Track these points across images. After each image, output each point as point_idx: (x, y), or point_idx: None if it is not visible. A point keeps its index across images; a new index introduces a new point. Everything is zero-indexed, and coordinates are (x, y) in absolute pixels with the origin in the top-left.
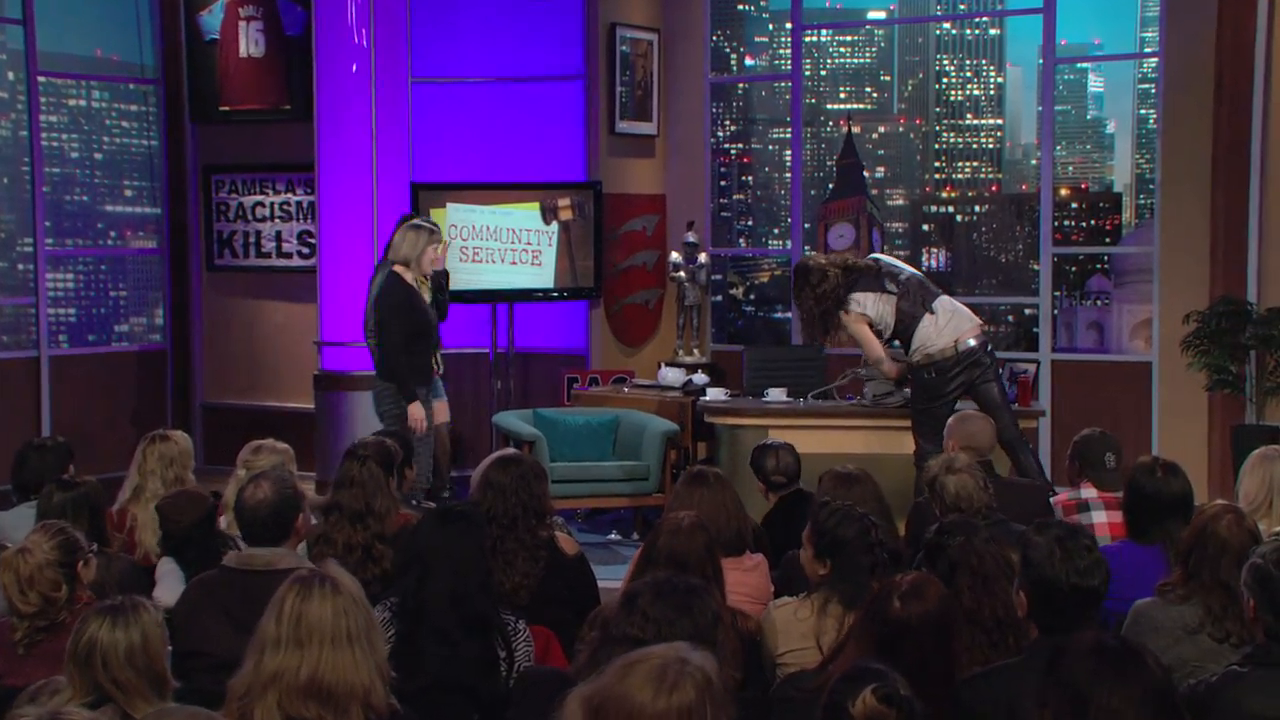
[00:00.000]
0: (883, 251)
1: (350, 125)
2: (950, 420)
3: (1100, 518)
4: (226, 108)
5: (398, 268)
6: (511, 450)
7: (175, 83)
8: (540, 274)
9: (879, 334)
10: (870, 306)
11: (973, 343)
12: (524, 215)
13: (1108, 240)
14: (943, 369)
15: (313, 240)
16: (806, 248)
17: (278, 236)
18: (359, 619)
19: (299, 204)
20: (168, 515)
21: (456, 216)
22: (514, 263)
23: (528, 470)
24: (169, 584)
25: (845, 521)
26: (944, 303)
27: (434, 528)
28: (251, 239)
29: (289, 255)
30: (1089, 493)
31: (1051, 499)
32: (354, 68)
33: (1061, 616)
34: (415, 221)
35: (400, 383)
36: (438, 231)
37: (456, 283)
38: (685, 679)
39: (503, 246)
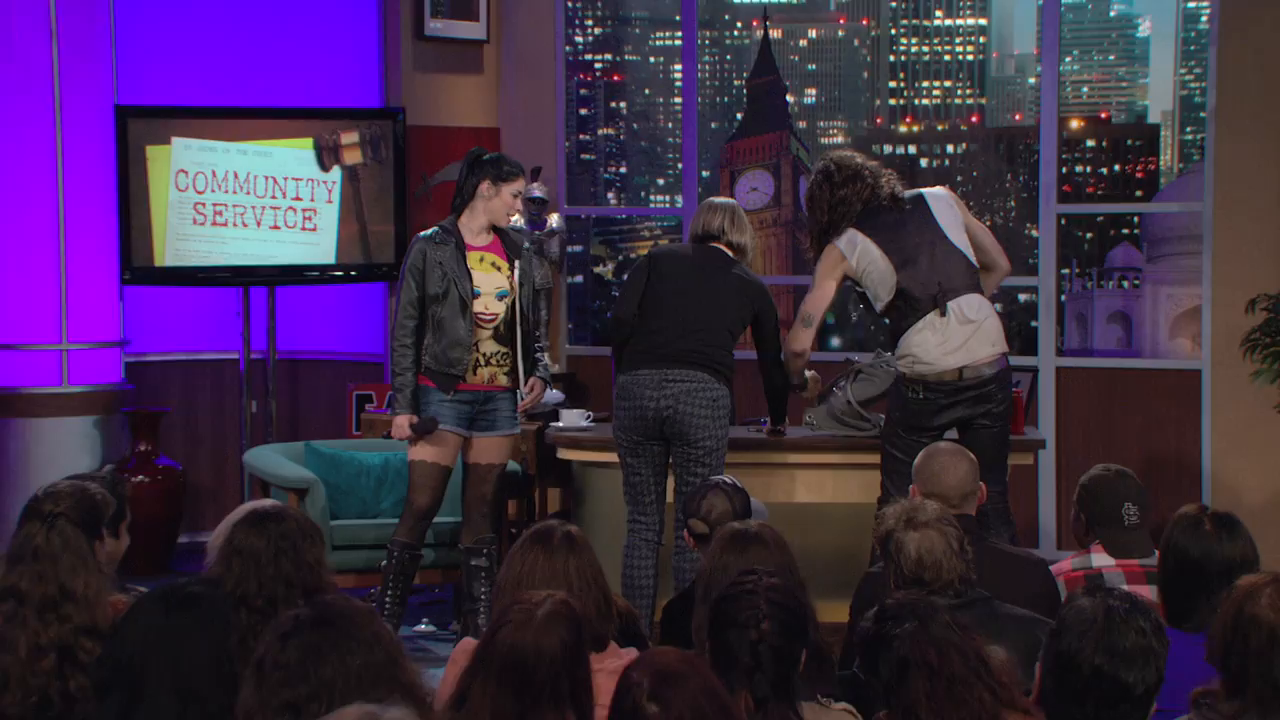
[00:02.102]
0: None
1: (15, 14)
2: (919, 456)
3: None
4: None
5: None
6: (270, 502)
7: None
8: (315, 244)
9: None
10: (862, 261)
11: (987, 373)
12: (290, 157)
13: (1139, 194)
14: (935, 394)
15: None
16: None
17: None
18: None
19: None
20: None
21: (187, 158)
22: (275, 226)
23: (293, 530)
24: None
25: (732, 599)
26: (967, 304)
27: (151, 619)
28: None
29: None
30: (1101, 559)
31: (1050, 569)
32: None
33: (1074, 709)
34: (724, 201)
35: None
36: None
37: (189, 255)
38: None
39: (258, 203)
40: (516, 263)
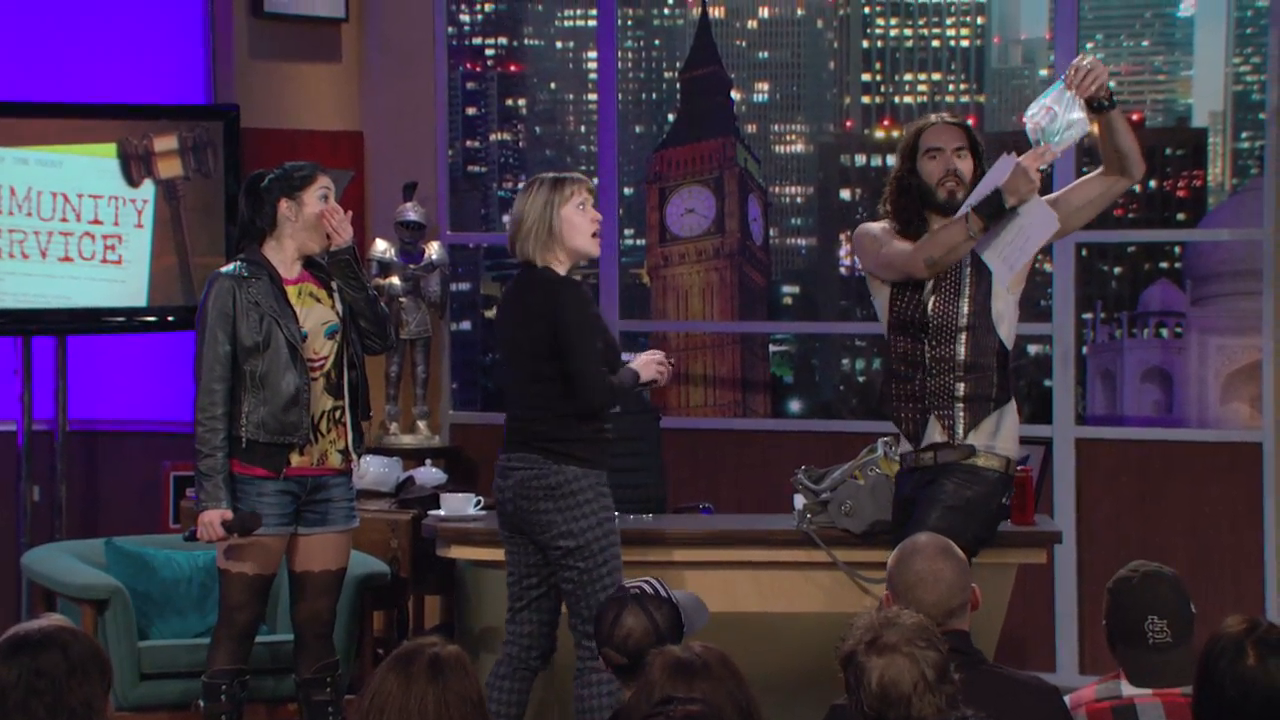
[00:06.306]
0: (769, 239)
1: None
2: (893, 556)
3: None
4: None
5: None
6: (46, 623)
7: None
8: (120, 281)
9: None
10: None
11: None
12: (87, 168)
13: (1181, 217)
14: (1006, 483)
15: None
16: (628, 232)
17: None
18: None
19: None
20: None
21: None
22: (67, 258)
23: (54, 663)
24: None
25: None
26: None
27: None
28: None
29: None
30: (1133, 688)
31: (1069, 699)
32: None
33: None
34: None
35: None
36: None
37: None
38: None
39: (44, 227)
40: (334, 285)
